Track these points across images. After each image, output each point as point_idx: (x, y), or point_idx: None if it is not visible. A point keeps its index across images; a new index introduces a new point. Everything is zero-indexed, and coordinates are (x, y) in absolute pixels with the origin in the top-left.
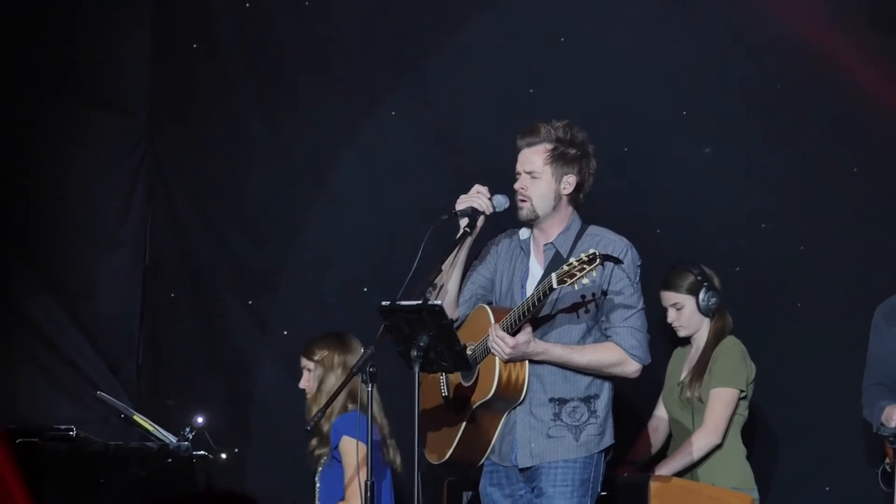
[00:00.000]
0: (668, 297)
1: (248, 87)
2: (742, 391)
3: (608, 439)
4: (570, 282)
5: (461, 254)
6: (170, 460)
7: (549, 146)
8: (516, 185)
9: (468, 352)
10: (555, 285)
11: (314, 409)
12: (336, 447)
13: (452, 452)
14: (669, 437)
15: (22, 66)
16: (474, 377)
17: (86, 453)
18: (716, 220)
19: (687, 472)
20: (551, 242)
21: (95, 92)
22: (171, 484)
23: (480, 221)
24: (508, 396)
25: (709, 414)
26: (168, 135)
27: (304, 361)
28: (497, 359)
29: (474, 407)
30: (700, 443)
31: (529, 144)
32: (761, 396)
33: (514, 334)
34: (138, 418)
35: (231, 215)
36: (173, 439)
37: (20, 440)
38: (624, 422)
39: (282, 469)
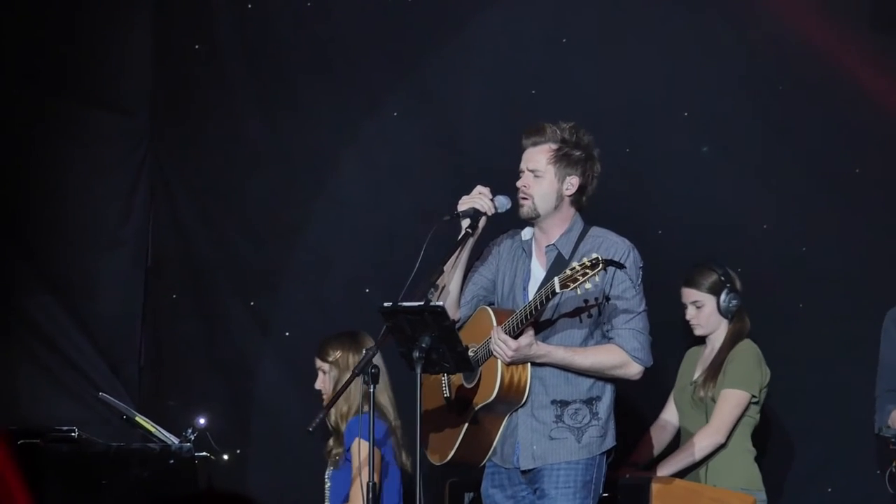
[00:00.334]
0: (689, 295)
1: (249, 87)
2: (754, 396)
3: (610, 441)
4: (572, 286)
5: (463, 255)
6: (171, 461)
7: (554, 146)
8: (518, 183)
9: (470, 353)
10: (557, 290)
11: (334, 412)
12: (349, 449)
13: (454, 453)
14: (675, 438)
15: (23, 66)
16: (476, 379)
17: (87, 454)
18: (717, 221)
19: (693, 471)
20: (553, 244)
21: (96, 92)
22: (172, 485)
23: (482, 222)
24: (511, 399)
25: (715, 414)
26: (169, 135)
27: (319, 363)
28: (499, 361)
29: (476, 409)
30: (703, 442)
31: (535, 143)
32: (764, 397)
33: (516, 337)
34: (140, 419)
35: (232, 216)
36: (175, 440)
37: (22, 441)
38: (627, 424)
39: (283, 470)
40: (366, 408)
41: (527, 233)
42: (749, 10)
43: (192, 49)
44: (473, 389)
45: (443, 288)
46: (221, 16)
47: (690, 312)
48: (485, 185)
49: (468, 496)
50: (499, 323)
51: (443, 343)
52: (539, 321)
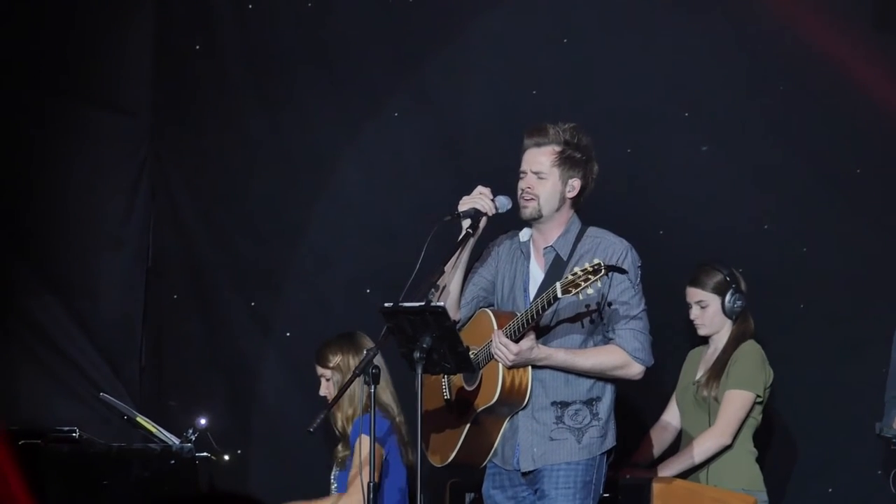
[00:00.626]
0: (694, 294)
1: (250, 87)
2: (758, 396)
3: (610, 441)
4: (574, 291)
5: (463, 255)
6: (172, 462)
7: (558, 148)
8: (522, 184)
9: (470, 355)
10: (559, 295)
11: (338, 416)
12: (353, 446)
13: (455, 455)
14: (676, 439)
15: (24, 66)
16: (477, 382)
17: (88, 455)
18: (718, 222)
19: (694, 472)
20: (551, 245)
21: (98, 92)
22: (173, 485)
23: (483, 223)
24: (512, 401)
25: (720, 415)
26: (170, 135)
27: (321, 370)
28: (500, 364)
29: (478, 411)
30: (707, 443)
31: (538, 144)
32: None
33: (517, 341)
34: (141, 420)
35: (234, 216)
36: (176, 441)
37: (23, 442)
38: (627, 425)
39: (284, 470)
40: (393, 412)
41: (524, 234)
42: (750, 11)
43: (193, 49)
44: (474, 392)
45: (443, 288)
46: (222, 16)
47: (695, 312)
48: (486, 185)
49: (469, 497)
50: (499, 325)
51: (444, 343)
52: (539, 325)
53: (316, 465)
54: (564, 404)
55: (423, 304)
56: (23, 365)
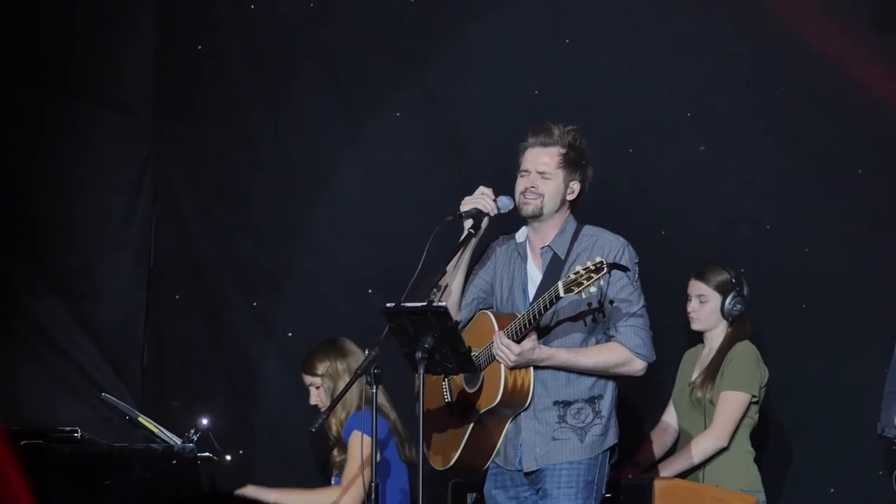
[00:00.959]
0: (697, 287)
1: (252, 87)
2: (754, 396)
3: (612, 438)
4: (576, 290)
5: (465, 255)
6: (174, 462)
7: (562, 150)
8: (525, 182)
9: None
10: (562, 294)
11: (333, 421)
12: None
13: (458, 457)
14: (677, 440)
15: (26, 67)
16: (479, 383)
17: (90, 455)
18: (720, 222)
19: (692, 473)
20: (548, 245)
21: (100, 93)
22: (175, 485)
23: (485, 223)
24: (514, 402)
25: (717, 417)
26: (172, 136)
27: (309, 379)
28: (502, 365)
29: (480, 413)
30: (705, 445)
31: (544, 144)
32: (765, 398)
33: (518, 342)
34: (143, 420)
35: (235, 216)
36: (178, 441)
37: (25, 442)
38: (628, 427)
39: (286, 470)
40: (365, 406)
41: (520, 235)
42: (752, 11)
43: (195, 49)
44: (476, 394)
45: (445, 288)
46: (224, 16)
47: (693, 305)
48: (488, 185)
49: (471, 497)
50: (500, 327)
51: (446, 343)
52: (539, 325)
53: (317, 466)
54: (567, 403)
55: (424, 304)
56: (25, 365)
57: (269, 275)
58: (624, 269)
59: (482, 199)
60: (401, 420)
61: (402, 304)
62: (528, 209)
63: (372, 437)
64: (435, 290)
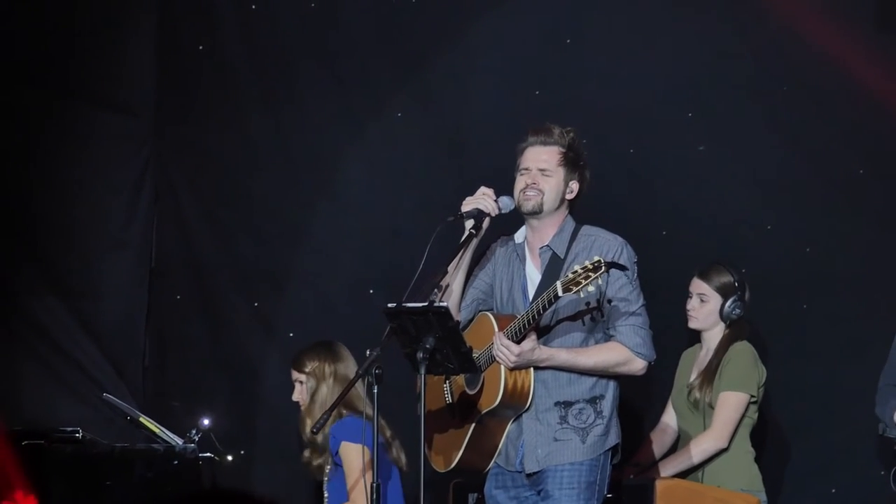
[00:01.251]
0: (698, 286)
1: (253, 87)
2: (753, 396)
3: (613, 438)
4: (575, 290)
5: (466, 255)
6: (175, 462)
7: (563, 150)
8: (526, 179)
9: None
10: (560, 293)
11: (308, 421)
12: (336, 453)
13: (459, 459)
14: (677, 440)
15: (26, 67)
16: (479, 385)
17: (91, 455)
18: (721, 222)
19: (692, 473)
20: (547, 245)
21: (101, 93)
22: (176, 486)
23: (486, 223)
24: (515, 403)
25: (716, 417)
26: (173, 136)
27: (296, 374)
28: (502, 367)
29: (481, 414)
30: (704, 445)
31: (544, 143)
32: (766, 398)
33: (518, 342)
34: (144, 420)
35: (237, 216)
36: (179, 441)
37: (26, 442)
38: (628, 428)
39: (288, 471)
40: (345, 412)
41: (519, 235)
42: (752, 11)
43: (196, 49)
44: (477, 395)
45: (446, 288)
46: (225, 16)
47: (692, 303)
48: (488, 185)
49: (472, 497)
50: (500, 328)
51: (447, 343)
52: (539, 325)
53: (317, 475)
54: (568, 404)
55: (426, 304)
56: (25, 365)
57: (271, 275)
58: (622, 268)
59: (483, 200)
60: (401, 422)
61: (404, 305)
62: (529, 205)
63: (373, 438)
64: (436, 290)
